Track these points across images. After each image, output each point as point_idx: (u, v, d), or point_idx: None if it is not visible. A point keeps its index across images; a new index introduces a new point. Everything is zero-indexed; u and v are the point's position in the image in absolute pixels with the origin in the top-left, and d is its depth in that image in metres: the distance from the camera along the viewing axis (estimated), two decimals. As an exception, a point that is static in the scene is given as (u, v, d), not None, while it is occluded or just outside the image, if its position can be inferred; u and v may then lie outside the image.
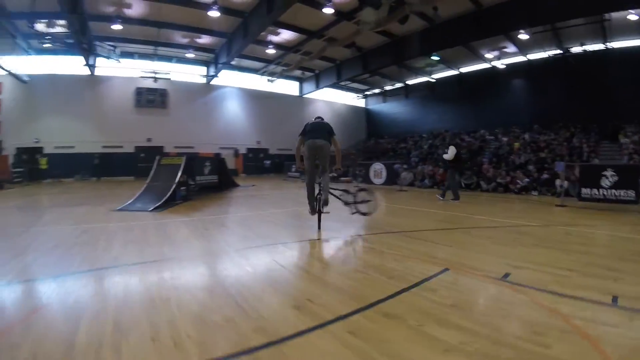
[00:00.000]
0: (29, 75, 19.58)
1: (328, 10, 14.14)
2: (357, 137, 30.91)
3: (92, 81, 21.48)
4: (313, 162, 5.09)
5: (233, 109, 25.76)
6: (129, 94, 22.38)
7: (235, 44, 18.36)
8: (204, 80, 24.09)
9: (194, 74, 23.77)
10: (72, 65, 20.32)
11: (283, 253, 4.01)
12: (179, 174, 9.03)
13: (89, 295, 2.65)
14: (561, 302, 2.44)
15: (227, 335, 2.00)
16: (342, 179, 14.81)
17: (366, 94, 30.99)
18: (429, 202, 9.06)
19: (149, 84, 22.00)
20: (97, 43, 17.26)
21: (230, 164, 23.56)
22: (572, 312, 2.27)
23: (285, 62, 20.42)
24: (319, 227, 5.04)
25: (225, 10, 15.31)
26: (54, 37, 16.15)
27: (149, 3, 15.20)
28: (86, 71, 20.80)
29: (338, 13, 15.23)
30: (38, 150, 20.25)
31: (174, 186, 8.67)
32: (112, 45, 17.72)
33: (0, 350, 1.81)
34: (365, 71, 22.07)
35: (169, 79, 22.03)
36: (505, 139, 17.55)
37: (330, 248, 4.33)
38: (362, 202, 5.62)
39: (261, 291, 2.77)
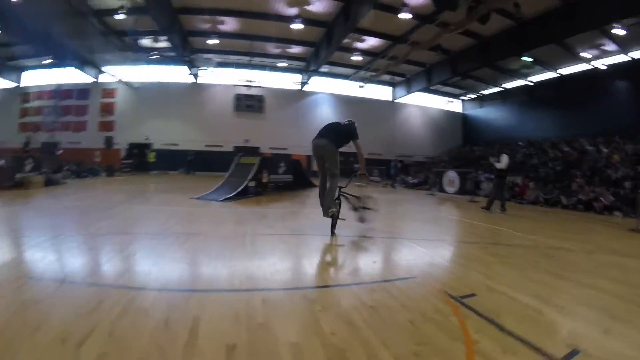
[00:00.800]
0: (140, 83, 24.16)
1: (405, 15, 14.25)
2: (453, 144, 29.72)
3: (196, 88, 25.29)
4: (320, 164, 5.21)
5: (325, 114, 26.98)
6: (229, 99, 25.57)
7: (322, 52, 19.65)
8: (297, 87, 26.02)
9: (288, 81, 25.96)
10: (178, 73, 24.33)
11: (286, 241, 4.69)
12: (252, 172, 10.40)
13: (133, 244, 4.14)
14: (494, 338, 2.09)
15: (183, 278, 3.00)
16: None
17: (463, 99, 29.52)
18: (484, 215, 8.56)
19: (247, 90, 24.82)
20: (194, 56, 19.98)
21: (319, 165, 25.13)
22: (492, 353, 1.92)
23: (374, 68, 20.94)
24: (332, 232, 5.03)
25: (308, 22, 16.58)
26: (159, 51, 19.24)
27: (240, 19, 17.44)
28: (190, 79, 24.67)
29: (417, 17, 15.25)
30: (147, 145, 24.51)
31: (246, 182, 10.03)
32: (207, 58, 20.36)
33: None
34: (455, 74, 21.30)
35: (262, 86, 24.60)
36: (605, 150, 15.32)
37: (328, 244, 4.65)
38: (365, 208, 5.56)
39: (237, 260, 3.58)
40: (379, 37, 18.42)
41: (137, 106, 24.93)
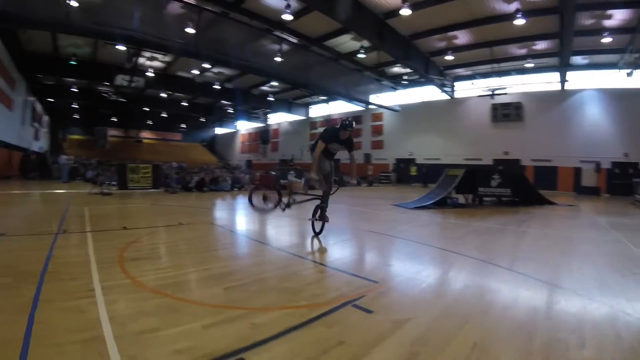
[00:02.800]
0: (400, 105, 29.08)
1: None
2: None
3: (452, 103, 27.28)
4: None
5: (593, 115, 22.46)
6: (484, 110, 25.86)
7: (565, 42, 17.54)
8: (557, 87, 23.45)
9: (545, 81, 23.73)
10: (435, 92, 27.05)
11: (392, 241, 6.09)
12: (454, 184, 11.27)
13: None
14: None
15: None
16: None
17: None
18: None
19: (503, 99, 24.50)
20: (439, 74, 21.59)
21: (591, 180, 21.85)
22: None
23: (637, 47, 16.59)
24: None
25: (533, 12, 15.57)
26: (408, 76, 23.42)
27: (469, 30, 18.38)
28: (445, 96, 26.88)
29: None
30: (411, 160, 28.90)
31: (444, 193, 11.24)
32: (441, 75, 21.57)
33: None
34: None
35: (506, 93, 23.69)
36: None
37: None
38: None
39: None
40: (623, 7, 14.69)
41: (401, 125, 30.33)
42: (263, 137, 42.34)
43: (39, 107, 28.94)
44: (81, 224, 6.74)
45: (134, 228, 6.43)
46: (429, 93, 27.78)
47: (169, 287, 3.33)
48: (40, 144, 30.89)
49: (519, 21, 15.56)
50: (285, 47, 19.61)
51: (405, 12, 15.01)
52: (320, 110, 37.23)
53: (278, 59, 19.25)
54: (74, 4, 13.07)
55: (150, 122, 46.55)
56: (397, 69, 24.48)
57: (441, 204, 10.90)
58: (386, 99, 28.60)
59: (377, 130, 32.22)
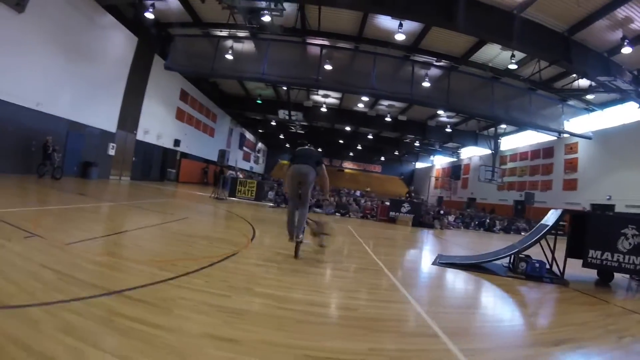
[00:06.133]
0: (593, 132, 22.53)
1: None
2: None
3: None
4: (295, 189, 5.50)
5: None
6: None
7: None
8: None
9: None
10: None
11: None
12: (534, 237, 6.67)
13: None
14: None
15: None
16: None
17: None
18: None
19: None
20: (601, 78, 16.20)
21: None
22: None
23: None
24: (296, 255, 5.38)
25: None
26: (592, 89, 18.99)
27: None
28: None
29: None
30: (610, 207, 21.53)
31: (511, 252, 6.70)
32: (611, 76, 16.11)
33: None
34: None
35: None
36: None
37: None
38: (323, 234, 6.01)
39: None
40: None
41: (597, 159, 23.34)
42: (453, 172, 41.60)
43: (249, 136, 38.11)
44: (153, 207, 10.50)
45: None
46: (633, 112, 20.43)
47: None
48: (251, 164, 41.25)
49: None
50: (434, 71, 19.41)
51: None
52: (511, 142, 32.52)
53: (426, 84, 19.01)
54: (229, 57, 17.95)
55: (351, 154, 54.17)
56: (573, 82, 19.19)
57: (514, 269, 6.50)
58: (578, 124, 22.49)
59: (571, 166, 25.35)
